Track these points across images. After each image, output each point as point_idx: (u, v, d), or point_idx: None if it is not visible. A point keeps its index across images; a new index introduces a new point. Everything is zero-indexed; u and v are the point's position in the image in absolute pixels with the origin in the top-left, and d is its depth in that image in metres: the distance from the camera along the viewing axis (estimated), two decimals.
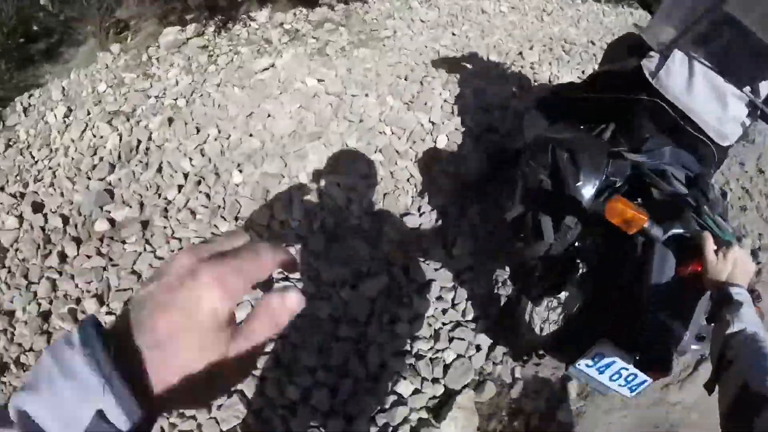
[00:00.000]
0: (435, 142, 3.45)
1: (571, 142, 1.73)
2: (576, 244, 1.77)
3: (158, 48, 4.20)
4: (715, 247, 1.22)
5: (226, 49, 4.12)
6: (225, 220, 2.88)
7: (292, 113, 3.38)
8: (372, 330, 2.48)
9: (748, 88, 1.78)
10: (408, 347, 2.46)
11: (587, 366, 1.57)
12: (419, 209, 3.05)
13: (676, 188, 1.62)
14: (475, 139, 3.54)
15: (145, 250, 2.80)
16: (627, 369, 1.51)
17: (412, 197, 3.11)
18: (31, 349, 2.61)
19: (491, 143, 3.51)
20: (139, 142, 3.35)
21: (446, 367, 2.44)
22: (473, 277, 2.74)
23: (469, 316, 2.60)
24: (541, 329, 2.21)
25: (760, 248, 3.83)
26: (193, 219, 2.90)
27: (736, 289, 1.15)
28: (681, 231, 1.45)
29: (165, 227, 2.88)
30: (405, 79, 3.98)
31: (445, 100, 3.82)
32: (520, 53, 5.07)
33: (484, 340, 2.52)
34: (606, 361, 1.52)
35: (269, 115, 3.36)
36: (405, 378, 2.37)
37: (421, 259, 2.77)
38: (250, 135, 3.26)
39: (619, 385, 1.56)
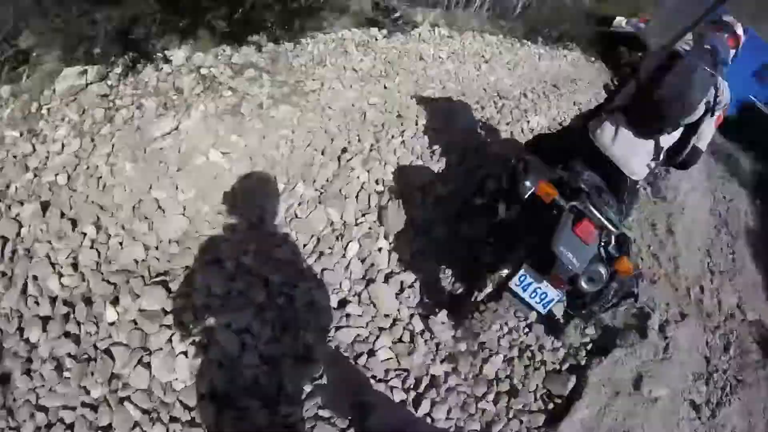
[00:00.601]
0: (345, 250, 3.08)
1: (526, 160, 2.67)
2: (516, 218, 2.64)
3: (53, 93, 3.53)
4: None
5: (128, 100, 3.55)
6: (97, 383, 2.23)
7: (186, 205, 2.93)
8: None
9: (652, 142, 2.71)
10: None
11: (516, 285, 2.32)
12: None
13: (581, 187, 2.49)
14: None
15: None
16: (540, 287, 2.30)
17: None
18: None
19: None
20: (5, 241, 2.60)
21: None
22: None
23: None
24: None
25: (667, 321, 3.87)
26: (60, 378, 2.23)
27: None
28: (576, 204, 2.35)
29: (28, 390, 2.20)
30: (322, 153, 3.70)
31: (362, 186, 3.56)
32: None
33: None
34: (528, 281, 2.29)
35: (159, 207, 2.86)
36: None
37: None
38: (134, 238, 2.69)
39: (536, 302, 2.32)
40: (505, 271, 2.48)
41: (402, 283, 3.13)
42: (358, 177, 3.60)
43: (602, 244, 2.38)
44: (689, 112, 2.54)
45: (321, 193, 3.40)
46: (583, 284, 2.29)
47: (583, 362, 3.24)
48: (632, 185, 2.87)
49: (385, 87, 4.84)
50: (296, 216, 3.20)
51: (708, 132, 2.73)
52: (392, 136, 4.17)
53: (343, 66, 4.85)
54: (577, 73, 8.87)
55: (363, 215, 3.39)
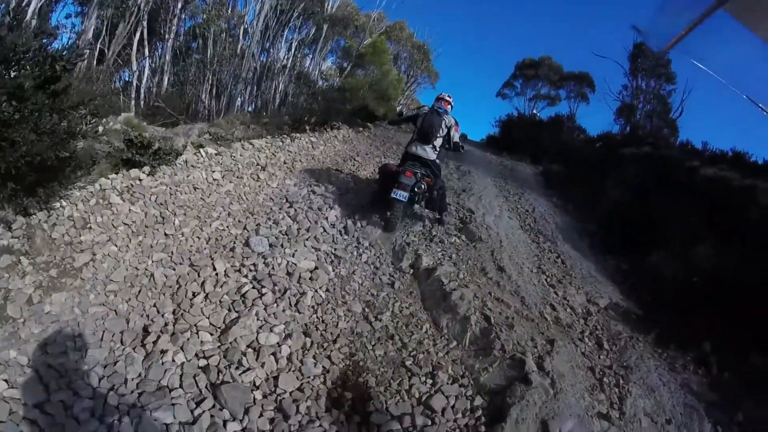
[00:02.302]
0: None
1: (387, 167, 6.68)
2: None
3: None
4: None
5: None
6: None
7: None
8: None
9: (431, 145, 6.20)
10: None
11: (393, 194, 5.72)
12: None
13: (405, 165, 6.18)
14: None
15: None
16: (401, 192, 5.76)
17: None
18: None
19: None
20: None
21: None
22: None
23: None
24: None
25: (540, 356, 3.94)
26: None
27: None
28: (402, 168, 6.08)
29: None
30: (121, 343, 3.22)
31: (182, 369, 3.13)
32: (247, 241, 4.75)
33: None
34: (396, 192, 5.74)
35: None
36: None
37: None
38: None
39: (401, 198, 5.74)
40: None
41: None
42: (173, 360, 3.20)
43: (418, 176, 5.95)
44: (437, 132, 6.16)
45: (139, 395, 2.91)
46: (416, 190, 5.93)
47: None
48: (432, 162, 6.24)
49: (165, 235, 4.47)
50: None
51: (456, 135, 6.43)
52: (193, 293, 3.85)
53: (112, 223, 4.34)
54: (351, 149, 9.41)
55: (197, 404, 2.96)
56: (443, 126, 6.22)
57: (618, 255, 7.27)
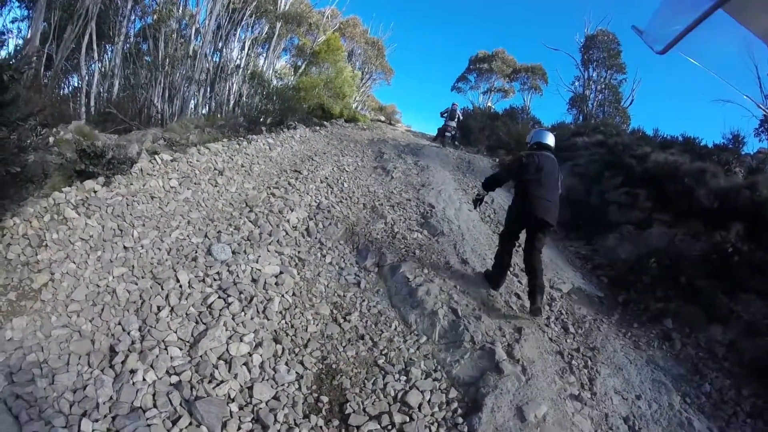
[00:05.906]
0: None
1: (446, 122, 16.09)
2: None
3: None
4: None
5: None
6: None
7: None
8: None
9: (454, 122, 16.17)
10: None
11: (446, 134, 15.97)
12: None
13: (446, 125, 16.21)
14: None
15: None
16: (447, 133, 16.01)
17: None
18: None
19: None
20: None
21: None
22: None
23: None
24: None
25: (509, 345, 3.89)
26: None
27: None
28: (444, 126, 16.28)
29: None
30: (89, 365, 3.14)
31: (155, 388, 3.05)
32: (209, 249, 4.70)
33: None
34: (446, 132, 16.02)
35: None
36: None
37: None
38: None
39: (449, 137, 16.05)
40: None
41: None
42: (144, 379, 3.12)
43: (450, 129, 15.78)
44: (455, 115, 15.96)
45: (113, 420, 2.82)
46: (451, 133, 15.86)
47: (465, 430, 3.24)
48: (454, 127, 15.98)
49: (125, 248, 4.37)
50: None
51: (461, 118, 16.83)
52: (158, 308, 3.79)
53: (69, 239, 4.22)
54: (309, 149, 9.38)
55: (173, 423, 2.90)
56: (458, 112, 14.79)
57: (576, 240, 7.48)
